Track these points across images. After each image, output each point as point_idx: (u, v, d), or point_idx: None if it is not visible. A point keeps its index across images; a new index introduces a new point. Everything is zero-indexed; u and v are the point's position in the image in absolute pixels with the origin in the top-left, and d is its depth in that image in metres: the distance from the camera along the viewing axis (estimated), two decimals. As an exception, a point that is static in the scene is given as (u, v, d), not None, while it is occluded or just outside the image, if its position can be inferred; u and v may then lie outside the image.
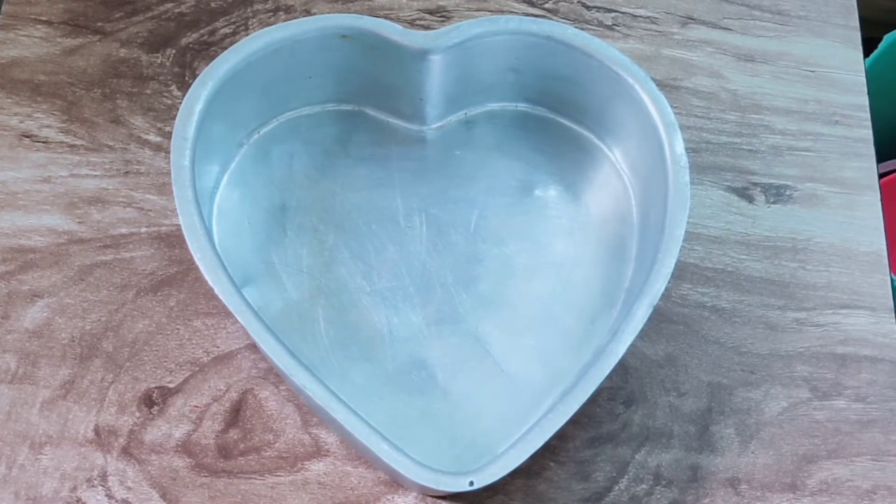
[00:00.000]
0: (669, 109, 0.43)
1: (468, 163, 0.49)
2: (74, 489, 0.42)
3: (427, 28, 0.53)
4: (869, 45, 0.63)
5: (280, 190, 0.47)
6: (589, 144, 0.48)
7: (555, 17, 0.55)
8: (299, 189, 0.48)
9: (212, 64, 0.42)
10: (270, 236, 0.47)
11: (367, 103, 0.49)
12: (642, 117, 0.44)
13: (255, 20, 0.53)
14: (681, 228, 0.41)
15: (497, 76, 0.47)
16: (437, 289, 0.47)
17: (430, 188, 0.49)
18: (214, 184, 0.46)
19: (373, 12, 0.53)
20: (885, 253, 0.50)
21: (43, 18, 0.52)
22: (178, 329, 0.46)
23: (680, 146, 0.42)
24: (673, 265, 0.40)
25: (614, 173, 0.48)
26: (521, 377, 0.45)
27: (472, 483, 0.37)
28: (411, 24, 0.53)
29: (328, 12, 0.53)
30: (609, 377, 0.39)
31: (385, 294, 0.46)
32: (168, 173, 0.44)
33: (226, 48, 0.43)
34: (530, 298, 0.47)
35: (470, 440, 0.43)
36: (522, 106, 0.49)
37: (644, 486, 0.44)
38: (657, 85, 0.43)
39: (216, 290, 0.39)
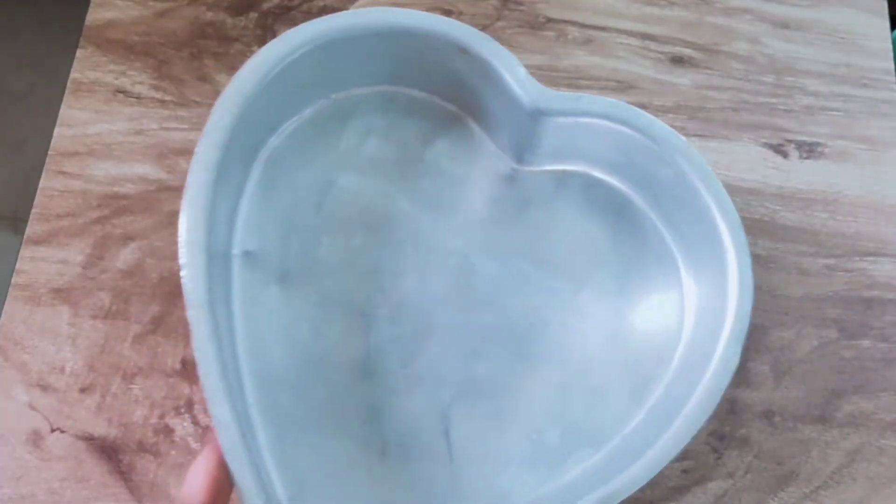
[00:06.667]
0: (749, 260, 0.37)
1: (538, 224, 0.42)
2: (162, 416, 0.44)
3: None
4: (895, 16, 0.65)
5: (337, 163, 0.41)
6: (667, 254, 0.41)
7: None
8: (355, 171, 0.41)
9: (316, 22, 0.37)
10: (300, 208, 0.40)
11: (471, 115, 0.42)
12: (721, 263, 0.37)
13: (336, -13, 0.52)
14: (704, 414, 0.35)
15: (601, 151, 0.41)
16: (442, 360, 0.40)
17: (486, 237, 0.42)
18: (273, 127, 0.40)
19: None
20: (908, 205, 0.50)
21: (136, -17, 0.52)
22: (258, 270, 0.47)
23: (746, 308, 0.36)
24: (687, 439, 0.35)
25: (678, 300, 0.40)
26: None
27: None
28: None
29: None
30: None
31: (386, 335, 0.40)
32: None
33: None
34: (534, 389, 0.40)
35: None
36: (625, 186, 0.42)
37: (686, 417, 0.46)
38: (696, 157, 0.39)
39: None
